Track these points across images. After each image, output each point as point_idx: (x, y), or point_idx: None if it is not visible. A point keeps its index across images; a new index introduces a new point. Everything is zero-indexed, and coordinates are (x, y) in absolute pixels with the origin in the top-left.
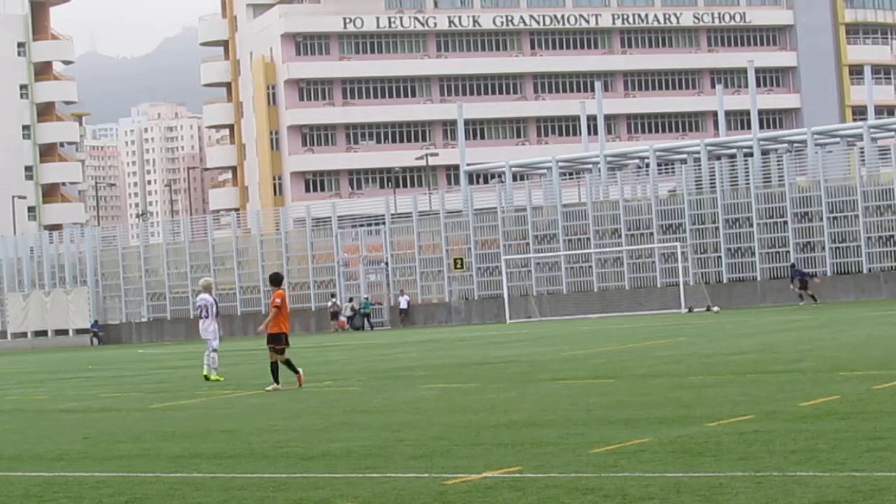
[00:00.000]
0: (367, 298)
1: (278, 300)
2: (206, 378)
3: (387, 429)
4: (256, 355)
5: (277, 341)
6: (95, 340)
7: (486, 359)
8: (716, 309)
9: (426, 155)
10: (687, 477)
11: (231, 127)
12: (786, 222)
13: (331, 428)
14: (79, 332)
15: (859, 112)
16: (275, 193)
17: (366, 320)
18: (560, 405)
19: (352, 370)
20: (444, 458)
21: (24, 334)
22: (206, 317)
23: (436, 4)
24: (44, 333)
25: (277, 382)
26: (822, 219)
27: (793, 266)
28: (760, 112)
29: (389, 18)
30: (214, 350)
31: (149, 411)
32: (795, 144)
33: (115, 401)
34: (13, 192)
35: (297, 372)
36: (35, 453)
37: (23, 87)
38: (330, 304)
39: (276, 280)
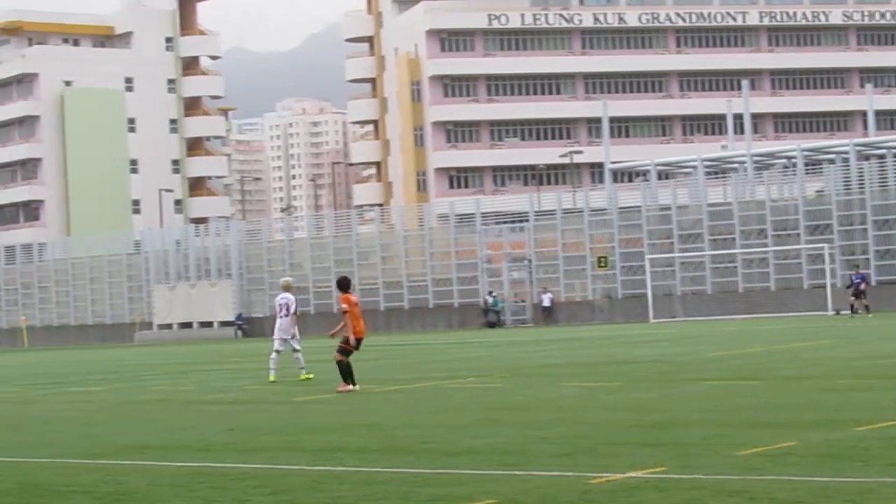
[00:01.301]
0: (496, 295)
1: (345, 305)
2: (274, 381)
3: (530, 426)
4: (395, 351)
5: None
6: (239, 333)
7: (628, 358)
8: (862, 312)
9: (570, 153)
10: (835, 481)
11: (375, 123)
12: None
13: (474, 424)
14: (223, 324)
15: None
16: (418, 189)
17: (497, 317)
18: (704, 406)
19: (495, 367)
20: (588, 456)
21: (170, 326)
22: (286, 315)
23: (581, 2)
24: (189, 325)
25: (354, 384)
26: None
27: (857, 268)
28: None
29: (534, 15)
30: (297, 350)
31: (292, 404)
32: None
33: (259, 393)
34: (160, 186)
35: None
36: (181, 444)
37: (170, 81)
38: (483, 301)
39: (343, 285)
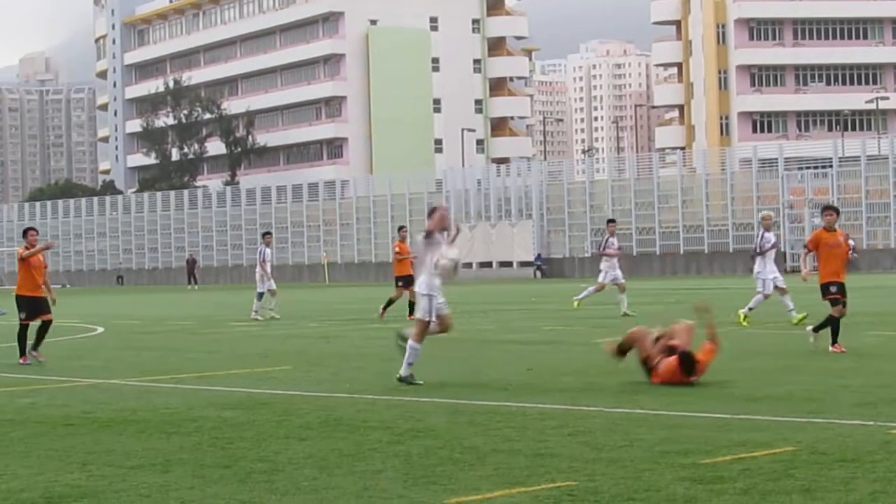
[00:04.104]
0: None
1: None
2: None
3: (831, 374)
4: (695, 295)
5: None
6: (538, 273)
7: None
8: None
9: (876, 98)
10: None
11: (679, 65)
12: None
13: (775, 371)
14: (522, 264)
15: None
16: (721, 133)
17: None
18: None
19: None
20: (890, 406)
21: (469, 265)
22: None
23: None
24: (488, 265)
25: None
26: None
27: None
28: None
29: None
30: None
31: (591, 346)
32: None
33: (557, 334)
34: (463, 125)
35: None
36: (480, 382)
37: (475, 21)
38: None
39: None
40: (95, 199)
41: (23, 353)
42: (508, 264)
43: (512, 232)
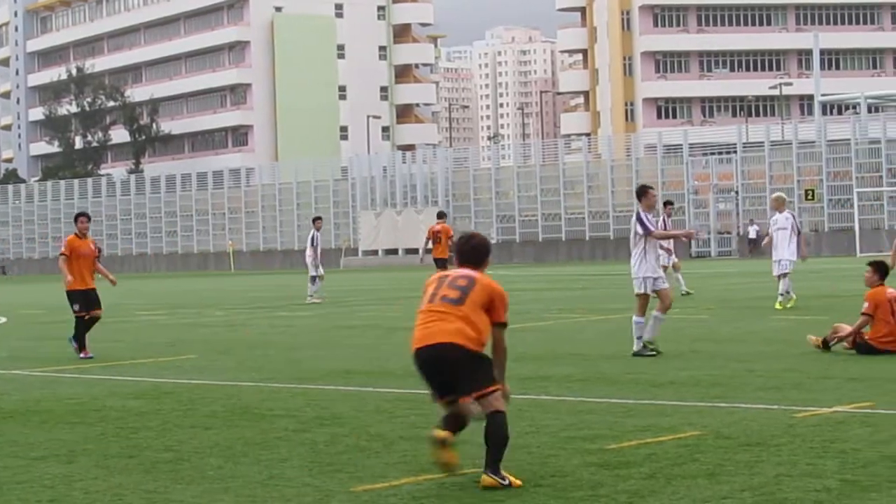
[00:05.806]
0: None
1: None
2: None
3: (736, 359)
4: (601, 280)
5: None
6: None
7: (836, 292)
8: None
9: (780, 84)
10: None
11: (584, 52)
12: None
13: (680, 356)
14: (428, 251)
15: None
16: (626, 119)
17: None
18: None
19: (701, 299)
20: (795, 390)
21: (375, 252)
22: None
23: None
24: (394, 252)
25: None
26: None
27: None
28: None
29: None
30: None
31: None
32: None
33: None
34: (368, 112)
35: None
36: (386, 369)
37: (380, 8)
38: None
39: None
40: None
41: (82, 347)
42: (414, 251)
43: (418, 219)
